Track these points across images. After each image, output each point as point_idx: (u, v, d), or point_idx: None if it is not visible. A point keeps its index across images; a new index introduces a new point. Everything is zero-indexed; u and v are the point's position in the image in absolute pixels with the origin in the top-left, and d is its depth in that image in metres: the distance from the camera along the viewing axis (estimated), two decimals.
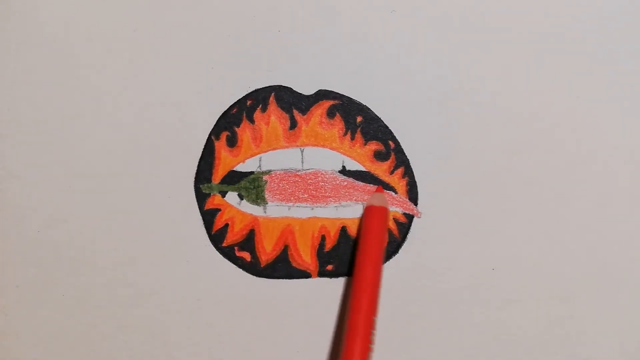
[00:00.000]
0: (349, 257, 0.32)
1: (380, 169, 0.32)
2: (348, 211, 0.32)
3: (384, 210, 0.31)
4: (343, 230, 0.32)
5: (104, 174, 0.33)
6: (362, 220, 0.31)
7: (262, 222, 0.32)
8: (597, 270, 0.32)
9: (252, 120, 0.32)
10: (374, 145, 0.32)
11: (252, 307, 0.33)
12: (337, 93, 0.32)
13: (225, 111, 0.32)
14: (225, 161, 0.32)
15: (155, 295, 0.33)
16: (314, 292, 0.33)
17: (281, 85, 0.32)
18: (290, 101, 0.32)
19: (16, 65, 0.33)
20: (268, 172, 0.32)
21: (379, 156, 0.32)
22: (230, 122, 0.32)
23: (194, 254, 0.33)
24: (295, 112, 0.32)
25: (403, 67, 0.32)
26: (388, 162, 0.32)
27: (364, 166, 0.32)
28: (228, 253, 0.33)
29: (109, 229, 0.33)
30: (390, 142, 0.32)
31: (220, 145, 0.32)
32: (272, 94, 0.32)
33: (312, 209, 0.32)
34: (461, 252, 0.32)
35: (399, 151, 0.32)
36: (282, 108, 0.32)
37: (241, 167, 0.32)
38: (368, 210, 0.31)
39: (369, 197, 0.32)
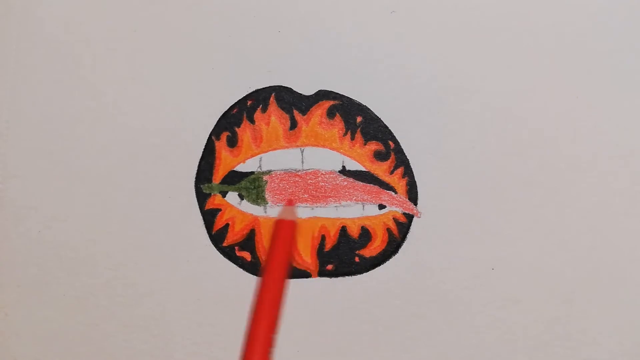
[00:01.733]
0: (349, 257, 0.32)
1: (380, 169, 0.32)
2: (348, 211, 0.32)
3: (292, 224, 0.31)
4: (343, 230, 0.32)
5: (104, 174, 0.33)
6: (272, 234, 0.31)
7: (263, 222, 0.32)
8: (597, 270, 0.32)
9: (252, 121, 0.32)
10: (373, 145, 0.32)
11: None
12: (337, 93, 0.32)
13: (225, 111, 0.32)
14: (226, 161, 0.32)
15: (155, 295, 0.33)
16: (314, 292, 0.33)
17: (281, 86, 0.32)
18: (291, 101, 0.32)
19: (16, 65, 0.33)
20: (268, 172, 0.32)
21: (379, 156, 0.32)
22: (230, 123, 0.32)
23: (194, 254, 0.33)
24: (296, 112, 0.32)
25: (403, 67, 0.32)
26: (388, 162, 0.32)
27: (364, 166, 0.32)
28: (228, 253, 0.33)
29: (109, 229, 0.33)
30: (390, 142, 0.32)
31: (221, 146, 0.32)
32: (273, 94, 0.32)
33: (312, 209, 0.32)
34: (461, 252, 0.32)
35: (399, 151, 0.32)
36: (283, 108, 0.32)
37: (241, 167, 0.32)
38: (277, 224, 0.30)
39: (280, 211, 0.32)
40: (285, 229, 0.30)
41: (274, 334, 0.27)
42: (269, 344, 0.27)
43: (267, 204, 0.32)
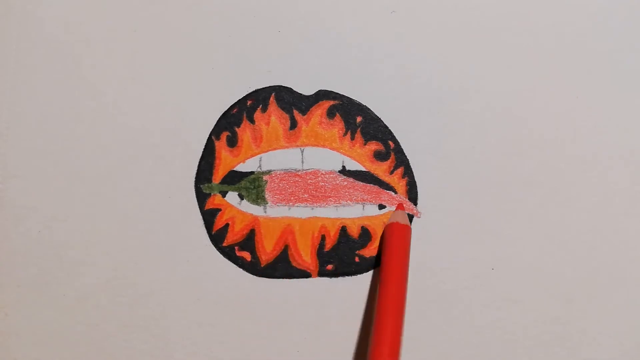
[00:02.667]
0: (349, 257, 0.32)
1: (380, 169, 0.32)
2: (348, 211, 0.32)
3: (406, 229, 0.31)
4: (343, 230, 0.32)
5: (104, 173, 0.33)
6: (385, 238, 0.31)
7: (263, 222, 0.32)
8: (597, 271, 0.32)
9: (252, 121, 0.32)
10: (373, 145, 0.32)
11: (252, 307, 0.33)
12: (337, 93, 0.32)
13: (225, 111, 0.32)
14: (226, 161, 0.32)
15: (155, 295, 0.33)
16: (314, 292, 0.33)
17: (281, 86, 0.32)
18: (291, 101, 0.32)
19: (16, 65, 0.33)
20: (268, 172, 0.32)
21: (379, 156, 0.32)
22: (230, 122, 0.32)
23: (194, 254, 0.33)
24: (296, 112, 0.32)
25: (403, 67, 0.32)
26: (388, 162, 0.32)
27: (363, 166, 0.32)
28: (228, 253, 0.33)
29: (109, 229, 0.33)
30: (390, 142, 0.32)
31: (221, 145, 0.32)
32: (272, 94, 0.32)
33: (312, 209, 0.32)
34: (461, 252, 0.32)
35: (399, 151, 0.32)
36: (282, 108, 0.32)
37: (241, 167, 0.32)
38: (390, 228, 0.31)
39: (392, 215, 0.32)
40: (400, 232, 0.30)
41: (400, 338, 0.27)
42: (397, 349, 0.26)
43: (267, 203, 0.32)
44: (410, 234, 0.31)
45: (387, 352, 0.26)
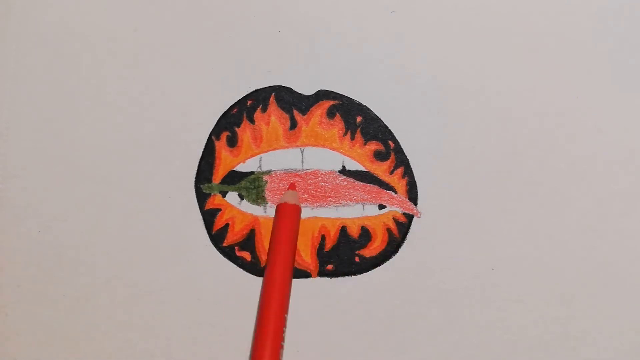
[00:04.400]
0: (349, 257, 0.32)
1: (380, 169, 0.32)
2: (348, 211, 0.32)
3: (296, 209, 0.31)
4: (343, 230, 0.32)
5: (104, 173, 0.33)
6: (275, 218, 0.31)
7: (263, 222, 0.32)
8: (597, 270, 0.32)
9: (252, 121, 0.32)
10: (373, 145, 0.32)
11: (252, 307, 0.33)
12: (337, 93, 0.32)
13: (225, 111, 0.32)
14: (226, 161, 0.32)
15: (155, 295, 0.33)
16: (314, 292, 0.33)
17: (281, 86, 0.32)
18: (291, 101, 0.32)
19: (16, 65, 0.33)
20: (268, 172, 0.32)
21: (379, 156, 0.32)
22: (230, 122, 0.32)
23: (194, 254, 0.33)
24: (296, 112, 0.32)
25: (403, 67, 0.32)
26: (388, 162, 0.32)
27: (363, 166, 0.32)
28: (228, 253, 0.33)
29: (109, 229, 0.33)
30: (390, 142, 0.32)
31: (221, 146, 0.32)
32: (272, 94, 0.32)
33: (312, 209, 0.32)
34: (461, 252, 0.32)
35: (399, 151, 0.32)
36: (282, 108, 0.32)
37: (241, 167, 0.32)
38: (280, 208, 0.31)
39: (283, 195, 0.32)
40: (289, 212, 0.30)
41: (284, 315, 0.28)
42: (280, 330, 0.27)
43: (267, 204, 0.32)
44: (300, 213, 0.32)
45: (271, 331, 0.27)
